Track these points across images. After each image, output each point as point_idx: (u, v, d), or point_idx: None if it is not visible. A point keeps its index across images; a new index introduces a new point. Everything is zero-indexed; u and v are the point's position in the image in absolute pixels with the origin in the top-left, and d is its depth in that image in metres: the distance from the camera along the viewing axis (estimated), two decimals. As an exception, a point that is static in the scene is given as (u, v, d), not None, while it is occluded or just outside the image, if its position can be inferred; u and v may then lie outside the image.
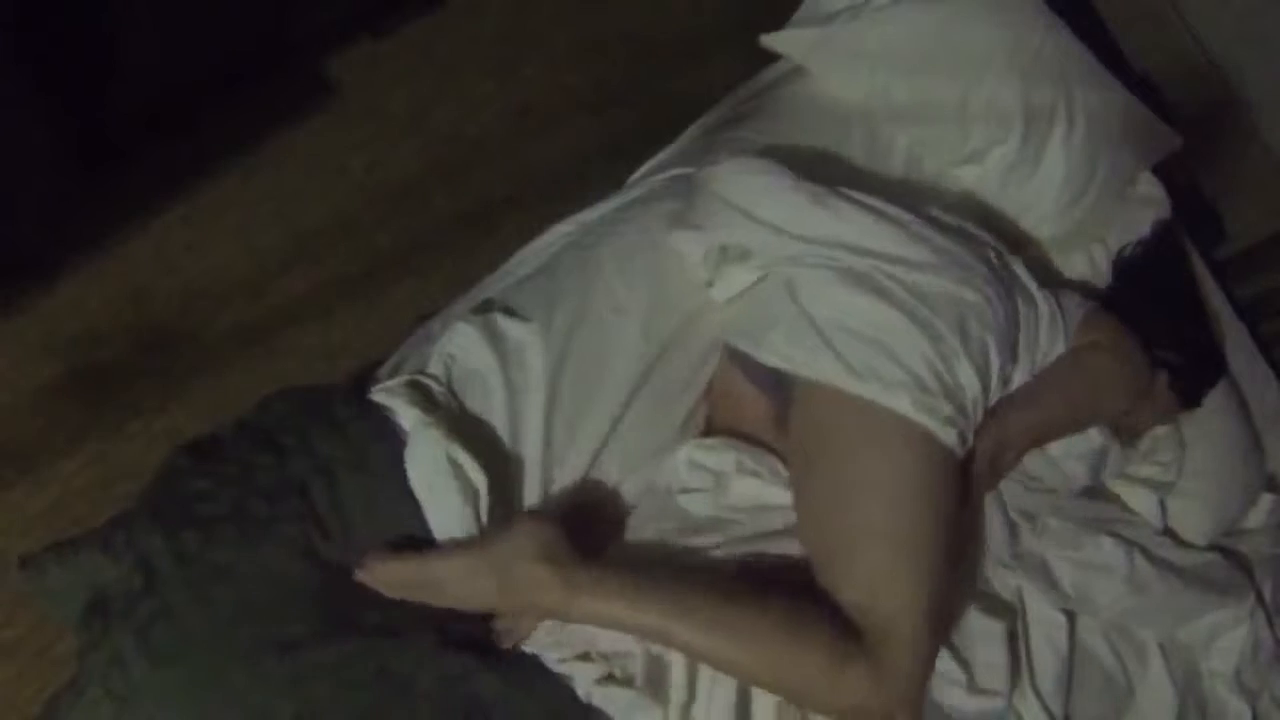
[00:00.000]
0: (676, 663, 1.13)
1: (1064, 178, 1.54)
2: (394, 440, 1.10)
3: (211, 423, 1.15)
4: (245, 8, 1.82)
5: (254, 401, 1.18)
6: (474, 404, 1.16)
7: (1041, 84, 1.53)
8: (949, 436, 1.15)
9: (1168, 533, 1.52)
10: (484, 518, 1.09)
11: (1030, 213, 1.56)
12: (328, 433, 1.10)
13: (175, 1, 1.70)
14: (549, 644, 1.12)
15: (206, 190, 1.84)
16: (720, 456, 1.26)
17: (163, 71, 1.75)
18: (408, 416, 1.10)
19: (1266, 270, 1.87)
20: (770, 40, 1.63)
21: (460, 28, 2.09)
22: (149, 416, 1.68)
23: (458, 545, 1.07)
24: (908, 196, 1.35)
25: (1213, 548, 1.55)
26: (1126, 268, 1.55)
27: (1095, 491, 1.47)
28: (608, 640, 1.12)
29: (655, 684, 1.12)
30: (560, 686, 1.10)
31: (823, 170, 1.35)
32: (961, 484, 1.20)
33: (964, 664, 1.26)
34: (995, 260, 1.27)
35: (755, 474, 1.26)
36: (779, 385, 1.23)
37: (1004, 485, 1.34)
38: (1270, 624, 1.52)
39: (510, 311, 1.23)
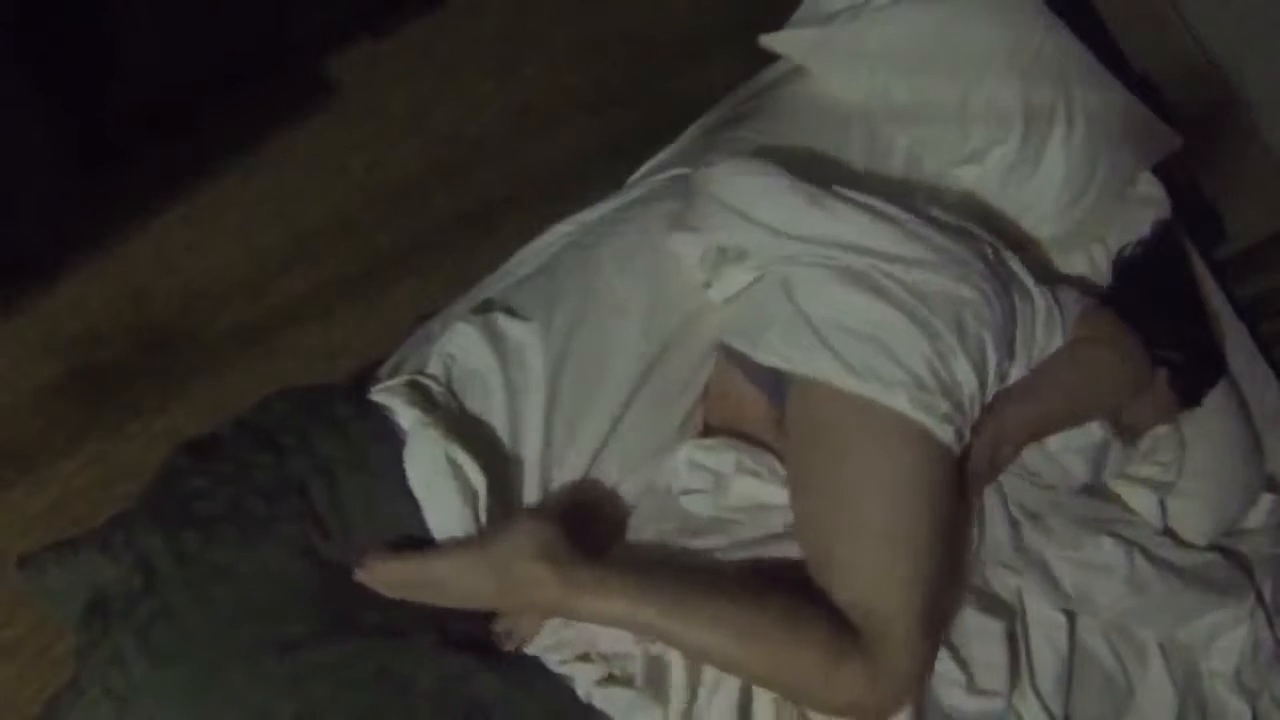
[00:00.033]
0: (676, 663, 1.13)
1: (1064, 178, 1.54)
2: (393, 440, 1.10)
3: (211, 423, 1.15)
4: (245, 8, 1.82)
5: (254, 401, 1.18)
6: (474, 404, 1.16)
7: (1041, 84, 1.53)
8: (946, 434, 1.15)
9: (1168, 533, 1.52)
10: (483, 517, 1.09)
11: (1030, 213, 1.56)
12: (327, 432, 1.10)
13: (175, 1, 1.71)
14: (549, 644, 1.12)
15: (206, 190, 1.84)
16: (720, 457, 1.26)
17: (163, 71, 1.75)
18: (406, 416, 1.10)
19: (1266, 270, 1.87)
20: (770, 40, 1.63)
21: (460, 28, 2.09)
22: (149, 416, 1.68)
23: (457, 544, 1.07)
24: (908, 196, 1.35)
25: (1213, 548, 1.55)
26: (1126, 267, 1.56)
27: (1095, 491, 1.47)
28: (608, 641, 1.12)
29: (655, 684, 1.12)
30: (560, 687, 1.10)
31: (822, 170, 1.35)
32: (958, 481, 1.20)
33: (963, 664, 1.26)
34: (991, 256, 1.27)
35: (755, 474, 1.26)
36: (777, 385, 1.23)
37: (1005, 480, 1.34)
38: (1270, 624, 1.52)
39: (510, 311, 1.23)
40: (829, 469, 1.16)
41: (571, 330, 1.22)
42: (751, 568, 1.20)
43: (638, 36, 2.16)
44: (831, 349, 1.16)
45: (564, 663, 1.11)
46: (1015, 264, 1.30)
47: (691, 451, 1.26)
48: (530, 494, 1.15)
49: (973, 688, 1.25)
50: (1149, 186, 1.66)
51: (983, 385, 1.19)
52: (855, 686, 1.08)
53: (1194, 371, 1.46)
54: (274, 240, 1.85)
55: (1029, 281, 1.29)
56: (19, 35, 1.53)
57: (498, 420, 1.15)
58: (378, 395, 1.14)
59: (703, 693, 1.13)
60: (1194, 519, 1.54)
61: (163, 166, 1.83)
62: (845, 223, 1.23)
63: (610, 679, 1.11)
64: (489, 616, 1.10)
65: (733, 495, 1.26)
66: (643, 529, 1.23)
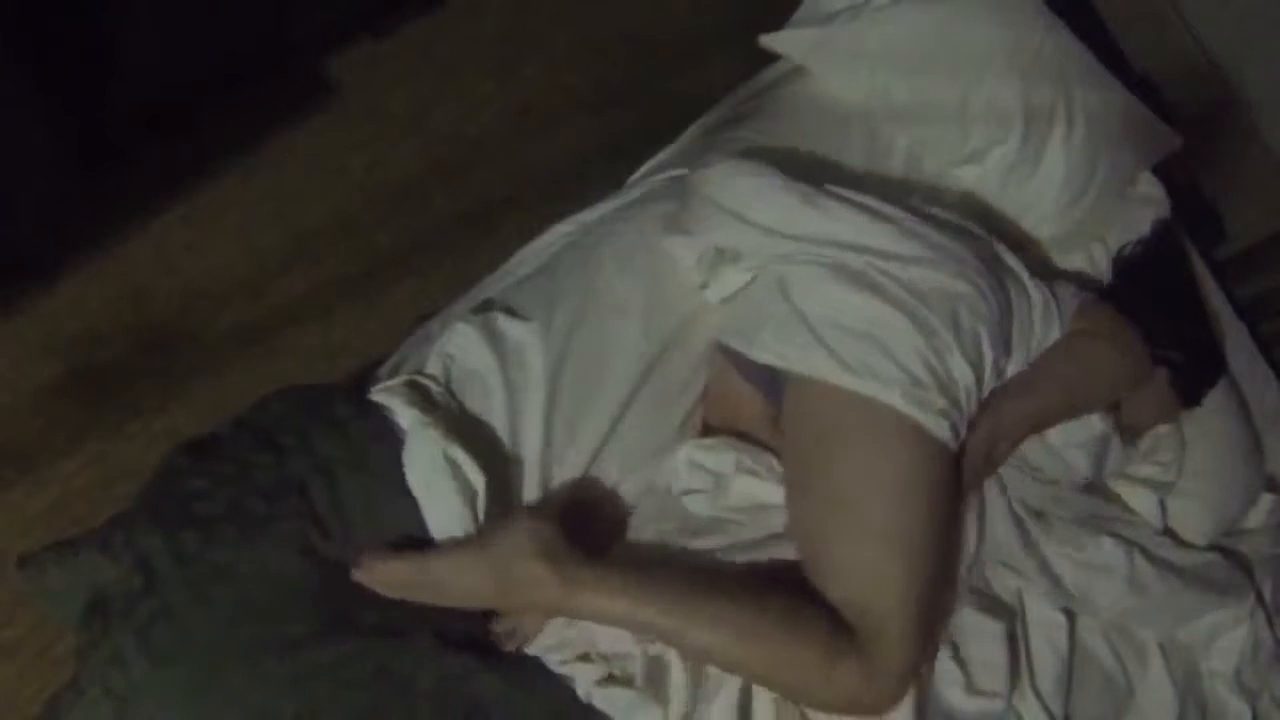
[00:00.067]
0: (676, 663, 1.13)
1: (1064, 178, 1.54)
2: (393, 440, 1.10)
3: (211, 423, 1.15)
4: (245, 8, 1.82)
5: (254, 401, 1.18)
6: (473, 404, 1.16)
7: (1041, 84, 1.53)
8: (942, 430, 1.15)
9: (1168, 533, 1.52)
10: (482, 517, 1.09)
11: (1030, 213, 1.56)
12: (327, 432, 1.10)
13: (175, 1, 1.71)
14: (550, 644, 1.12)
15: (206, 190, 1.84)
16: (720, 457, 1.26)
17: (163, 71, 1.75)
18: (406, 416, 1.10)
19: (1266, 270, 1.87)
20: (770, 40, 1.63)
21: (460, 28, 2.09)
22: (149, 416, 1.68)
23: (456, 544, 1.07)
24: (907, 196, 1.35)
25: (1213, 548, 1.55)
26: (1126, 267, 1.56)
27: (1096, 490, 1.47)
28: (608, 641, 1.12)
29: (655, 684, 1.12)
30: (560, 687, 1.11)
31: (822, 171, 1.35)
32: (955, 477, 1.20)
33: (963, 664, 1.26)
34: (987, 252, 1.27)
35: (755, 474, 1.26)
36: (773, 383, 1.23)
37: (1007, 476, 1.34)
38: (1270, 624, 1.52)
39: (510, 311, 1.23)
40: (824, 466, 1.16)
41: (571, 330, 1.22)
42: (751, 568, 1.20)
43: (638, 36, 2.16)
44: (827, 346, 1.16)
45: (564, 663, 1.12)
46: (1011, 259, 1.29)
47: (691, 451, 1.26)
48: (530, 494, 1.15)
49: (972, 688, 1.25)
50: (1149, 186, 1.66)
51: (979, 381, 1.19)
52: (852, 684, 1.08)
53: (1194, 371, 1.46)
54: (274, 240, 1.85)
55: (1025, 276, 1.29)
56: (19, 35, 1.54)
57: (497, 420, 1.15)
58: (377, 395, 1.14)
59: (702, 693, 1.13)
60: (1194, 519, 1.54)
61: (163, 166, 1.83)
62: (840, 221, 1.23)
63: (610, 679, 1.11)
64: (489, 616, 1.10)
65: (733, 495, 1.26)
66: (643, 529, 1.23)
